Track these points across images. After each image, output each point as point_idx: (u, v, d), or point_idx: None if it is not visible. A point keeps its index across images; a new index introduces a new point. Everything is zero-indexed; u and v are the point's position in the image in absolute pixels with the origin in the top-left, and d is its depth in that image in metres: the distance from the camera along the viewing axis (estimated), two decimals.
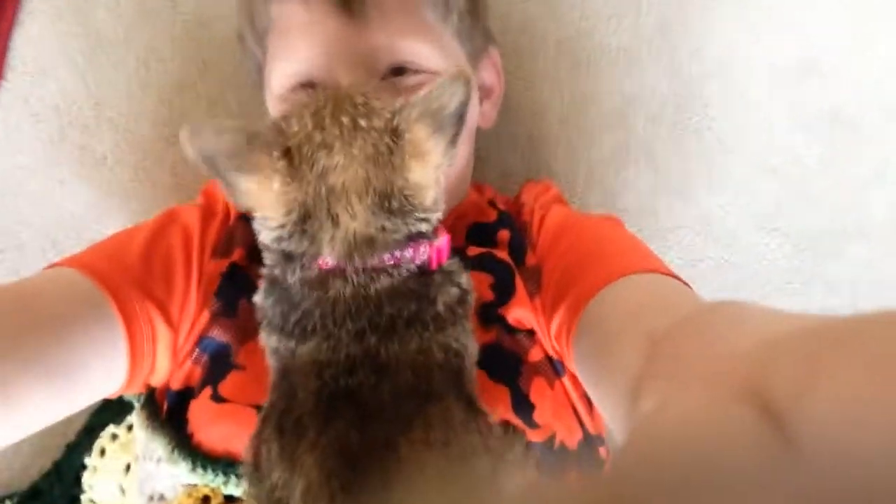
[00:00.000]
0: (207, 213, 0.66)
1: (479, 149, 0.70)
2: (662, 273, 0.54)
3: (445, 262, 0.49)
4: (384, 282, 0.45)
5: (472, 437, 0.44)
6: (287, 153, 0.44)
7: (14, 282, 0.53)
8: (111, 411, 0.75)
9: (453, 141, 0.46)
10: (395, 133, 0.44)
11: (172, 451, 0.57)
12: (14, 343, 0.48)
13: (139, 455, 0.66)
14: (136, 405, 0.68)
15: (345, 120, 0.44)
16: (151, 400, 0.65)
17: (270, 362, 0.49)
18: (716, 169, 0.80)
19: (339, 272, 0.45)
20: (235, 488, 0.54)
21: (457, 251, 0.59)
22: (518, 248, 0.63)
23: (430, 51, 0.59)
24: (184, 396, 0.61)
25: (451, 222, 0.65)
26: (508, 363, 0.58)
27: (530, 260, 0.63)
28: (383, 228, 0.44)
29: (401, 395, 0.44)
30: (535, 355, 0.59)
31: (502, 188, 0.77)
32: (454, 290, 0.48)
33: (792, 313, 0.33)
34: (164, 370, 0.61)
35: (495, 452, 0.45)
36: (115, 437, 0.73)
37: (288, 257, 0.46)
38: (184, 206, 0.66)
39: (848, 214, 0.81)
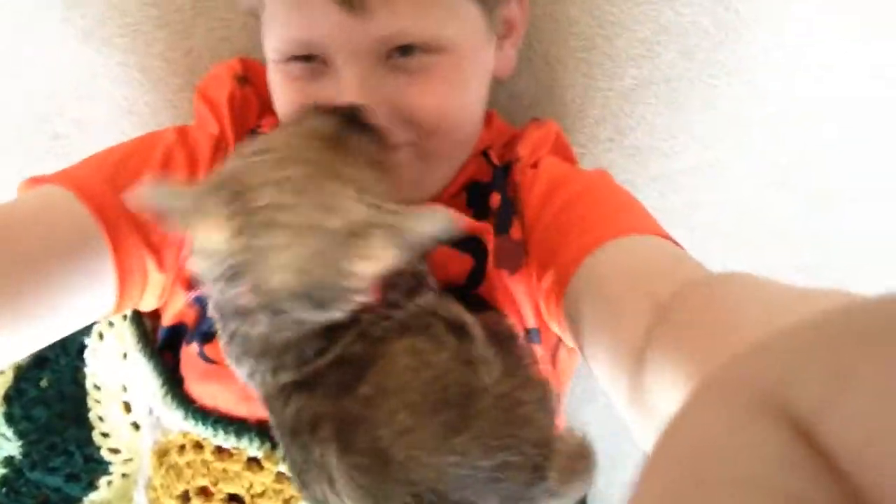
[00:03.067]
0: (221, 143, 0.63)
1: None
2: (656, 234, 0.54)
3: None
4: (287, 334, 0.46)
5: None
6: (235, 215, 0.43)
7: (5, 204, 0.52)
8: None
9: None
10: (350, 238, 0.43)
11: (166, 395, 0.61)
12: None
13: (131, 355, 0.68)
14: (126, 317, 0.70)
15: (302, 209, 0.43)
16: (139, 319, 0.68)
17: None
18: (741, 116, 0.76)
19: (248, 314, 0.46)
20: (224, 441, 0.58)
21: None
22: (505, 217, 0.62)
23: (440, 25, 0.54)
24: (176, 333, 0.63)
25: (455, 184, 0.64)
26: None
27: (515, 232, 0.61)
28: (300, 311, 0.45)
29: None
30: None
31: (508, 111, 0.73)
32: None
33: (806, 290, 0.33)
34: (149, 306, 0.62)
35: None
36: (111, 324, 0.74)
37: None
38: (197, 129, 0.64)
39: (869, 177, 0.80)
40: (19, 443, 0.76)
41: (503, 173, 0.64)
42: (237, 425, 0.58)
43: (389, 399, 0.46)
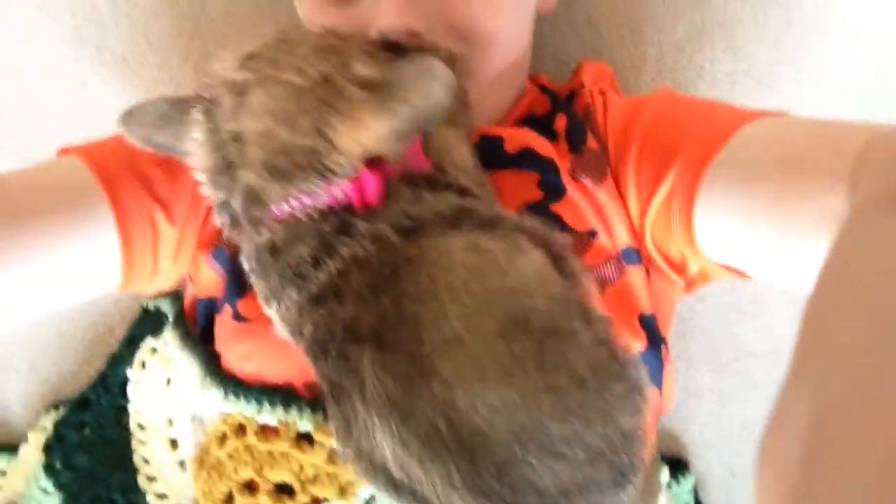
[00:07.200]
0: None
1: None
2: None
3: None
4: (274, 235, 0.43)
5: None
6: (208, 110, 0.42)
7: (14, 171, 0.52)
8: (150, 323, 0.73)
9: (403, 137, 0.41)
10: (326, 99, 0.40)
11: (204, 376, 0.55)
12: None
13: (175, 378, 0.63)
14: (169, 322, 0.65)
15: (283, 67, 0.40)
16: (182, 319, 0.63)
17: None
18: (804, 54, 0.69)
19: (238, 224, 0.43)
20: (270, 416, 0.51)
21: (494, 147, 0.54)
22: (576, 133, 0.57)
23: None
24: (210, 308, 0.59)
25: (510, 119, 0.60)
26: None
27: (591, 144, 0.56)
28: (268, 187, 0.41)
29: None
30: (591, 258, 0.52)
31: (555, 77, 0.69)
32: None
33: None
34: (169, 271, 0.59)
35: None
36: (154, 350, 0.71)
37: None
38: None
39: None
40: (60, 495, 0.70)
41: (568, 100, 0.61)
42: (282, 395, 0.50)
43: (440, 296, 0.38)
